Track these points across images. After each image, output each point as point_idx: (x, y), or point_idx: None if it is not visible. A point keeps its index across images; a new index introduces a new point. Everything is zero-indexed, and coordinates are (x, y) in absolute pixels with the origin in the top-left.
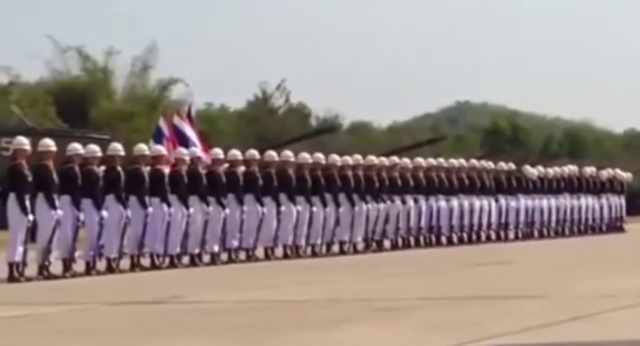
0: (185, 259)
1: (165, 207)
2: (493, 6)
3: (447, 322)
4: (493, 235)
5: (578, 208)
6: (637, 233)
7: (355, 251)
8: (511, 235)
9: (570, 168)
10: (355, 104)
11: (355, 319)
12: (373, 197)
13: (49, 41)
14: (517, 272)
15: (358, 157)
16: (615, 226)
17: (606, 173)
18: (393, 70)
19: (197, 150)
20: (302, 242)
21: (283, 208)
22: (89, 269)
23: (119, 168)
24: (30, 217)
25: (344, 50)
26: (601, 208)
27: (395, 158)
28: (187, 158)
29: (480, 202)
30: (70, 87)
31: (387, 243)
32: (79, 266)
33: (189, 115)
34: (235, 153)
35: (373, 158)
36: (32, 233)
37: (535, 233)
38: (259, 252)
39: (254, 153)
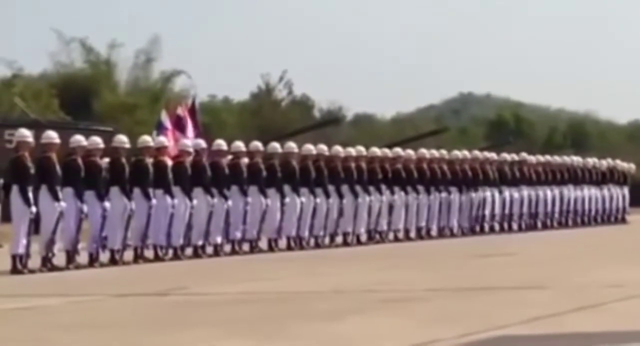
0: (189, 251)
1: (168, 198)
2: None
3: (452, 313)
4: (497, 227)
5: (582, 199)
6: None
7: (359, 242)
8: (515, 226)
9: (572, 159)
10: (359, 96)
11: (360, 310)
12: (376, 189)
13: (52, 34)
14: (521, 263)
15: (361, 148)
16: (618, 217)
17: (606, 163)
18: (396, 62)
19: (202, 141)
20: (306, 234)
21: (287, 200)
22: (92, 261)
23: (123, 160)
24: (34, 209)
25: (348, 42)
26: (604, 199)
27: (398, 150)
28: (191, 149)
29: (484, 194)
30: (73, 80)
31: (390, 235)
32: (82, 258)
33: (192, 108)
34: (239, 144)
35: (376, 150)
36: (35, 225)
37: (539, 225)
38: (263, 244)
39: (257, 144)
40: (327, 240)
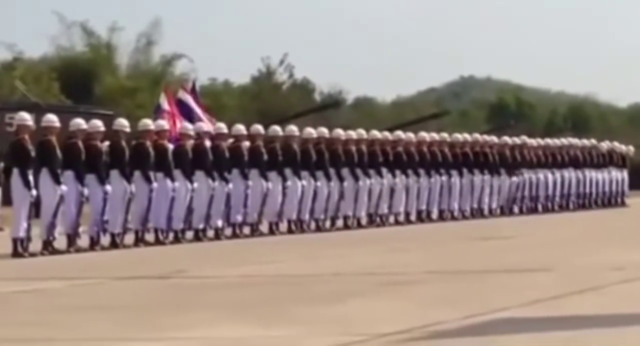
0: (190, 234)
1: (169, 182)
2: None
3: (452, 296)
4: (498, 210)
5: (582, 183)
6: (639, 207)
7: (360, 226)
8: (516, 209)
9: (570, 141)
10: (359, 79)
11: (360, 293)
12: (377, 172)
13: (53, 17)
14: (522, 246)
15: (362, 131)
16: (618, 200)
17: (605, 145)
18: (397, 45)
19: (203, 124)
20: (307, 217)
21: (288, 183)
22: (93, 244)
23: (124, 144)
24: (34, 192)
25: (349, 25)
26: (604, 182)
27: (400, 133)
28: (192, 133)
29: (484, 177)
30: (74, 63)
31: (391, 218)
32: (83, 241)
33: (193, 91)
34: (240, 128)
35: (377, 133)
36: (36, 208)
37: (540, 208)
38: (264, 227)
39: (258, 128)
40: (328, 224)
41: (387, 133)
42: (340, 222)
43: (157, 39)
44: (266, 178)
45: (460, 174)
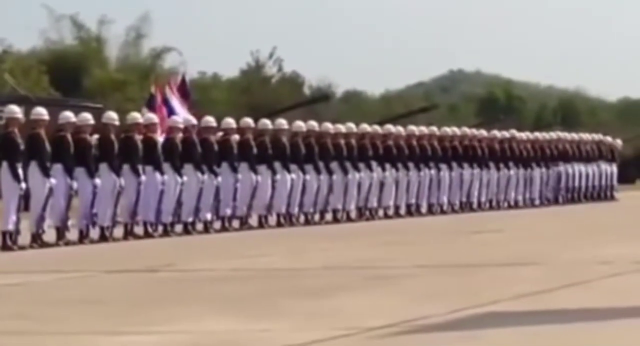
0: (179, 227)
1: (158, 175)
2: None
3: (441, 290)
4: (487, 204)
5: (571, 176)
6: (628, 201)
7: (349, 219)
8: (505, 203)
9: (558, 134)
10: (349, 73)
11: (350, 287)
12: (366, 166)
13: (42, 10)
14: (511, 240)
15: (351, 125)
16: (607, 194)
17: (591, 137)
18: (386, 39)
19: (192, 118)
20: (296, 210)
21: (277, 177)
22: (82, 237)
23: (113, 137)
24: (23, 185)
25: (338, 19)
26: (593, 176)
27: (390, 127)
28: (181, 126)
29: (473, 171)
30: (63, 56)
31: (380, 212)
32: (72, 234)
33: (183, 85)
34: (230, 121)
35: (366, 127)
36: (25, 201)
37: (529, 202)
38: (253, 220)
39: (248, 121)
40: (317, 217)
41: (377, 127)
42: (329, 216)
43: (147, 32)
44: (255, 172)
45: (450, 168)
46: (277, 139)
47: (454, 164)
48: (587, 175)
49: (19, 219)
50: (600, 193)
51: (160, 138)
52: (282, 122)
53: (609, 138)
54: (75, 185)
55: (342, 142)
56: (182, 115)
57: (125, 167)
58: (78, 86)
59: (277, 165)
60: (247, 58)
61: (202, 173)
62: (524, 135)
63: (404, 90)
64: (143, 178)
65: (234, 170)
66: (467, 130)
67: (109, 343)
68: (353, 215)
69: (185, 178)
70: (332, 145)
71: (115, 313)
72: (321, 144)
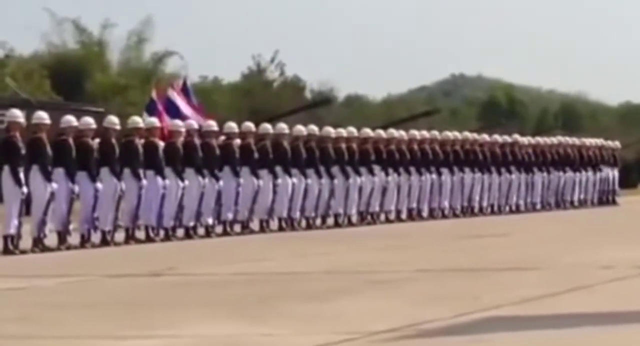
0: (180, 232)
1: (159, 179)
2: None
3: (443, 294)
4: (489, 208)
5: (573, 181)
6: (630, 206)
7: (350, 223)
8: (507, 207)
9: (559, 139)
10: (351, 77)
11: (352, 291)
12: (368, 170)
13: (44, 14)
14: (513, 244)
15: (352, 129)
16: (609, 199)
17: (593, 142)
18: (388, 43)
19: (193, 122)
20: (297, 215)
21: (279, 181)
22: (84, 242)
23: (114, 141)
24: (25, 190)
25: (340, 23)
26: (595, 180)
27: (393, 131)
28: (183, 130)
29: (475, 175)
30: (65, 60)
31: (382, 216)
32: (74, 238)
33: (184, 89)
34: (232, 125)
35: (369, 131)
36: (26, 206)
37: (531, 206)
38: (254, 225)
39: (249, 125)
40: (318, 221)
41: (380, 131)
42: (331, 220)
43: (149, 37)
44: (257, 176)
45: (451, 172)
46: (279, 143)
47: (456, 168)
48: (588, 180)
49: (21, 223)
50: (602, 198)
51: (161, 142)
52: (283, 127)
53: (610, 143)
54: (76, 189)
55: (344, 146)
56: (190, 117)
57: (127, 171)
58: (80, 90)
59: (278, 169)
60: (248, 62)
61: (204, 177)
62: (525, 139)
63: (405, 95)
64: (144, 182)
65: (236, 174)
66: (468, 134)
67: None
68: (354, 219)
69: (186, 182)
70: (334, 149)
71: (116, 317)
72: (322, 148)
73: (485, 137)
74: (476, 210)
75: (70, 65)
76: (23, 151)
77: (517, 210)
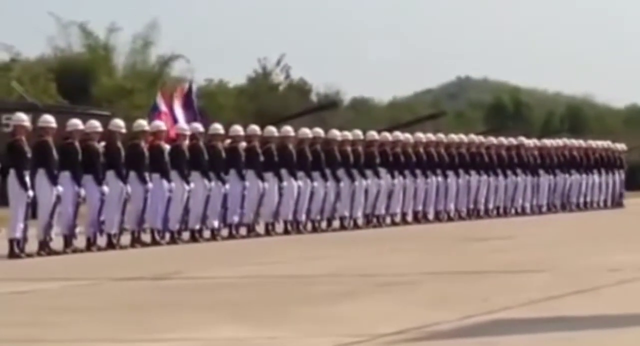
0: (186, 235)
1: (165, 182)
2: None
3: (449, 297)
4: (494, 210)
5: (579, 183)
6: (636, 208)
7: (356, 226)
8: (513, 210)
9: (565, 141)
10: (356, 80)
11: (357, 294)
12: (374, 173)
13: (50, 18)
14: (519, 247)
15: (358, 132)
16: (615, 201)
17: (601, 145)
18: (394, 46)
19: (199, 125)
20: (303, 218)
21: (284, 184)
22: (90, 245)
23: (119, 144)
24: (30, 193)
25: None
26: (601, 183)
27: (398, 134)
28: (188, 133)
29: (481, 177)
30: (71, 64)
31: (387, 219)
32: (80, 242)
33: (189, 92)
34: (237, 128)
35: (374, 134)
36: (32, 209)
37: (537, 208)
38: (260, 228)
39: (255, 128)
40: (324, 224)
41: (386, 134)
42: (337, 223)
43: (154, 40)
44: (262, 179)
45: (457, 175)
46: (284, 146)
47: (461, 171)
48: (595, 182)
49: (27, 227)
50: (609, 200)
51: (166, 145)
52: (288, 129)
53: (617, 145)
54: (82, 192)
55: (350, 149)
56: (186, 122)
57: (132, 175)
58: (86, 94)
59: (283, 172)
60: (254, 65)
61: (210, 180)
62: (531, 142)
63: (411, 98)
64: (150, 185)
65: (242, 177)
66: (474, 137)
67: None
68: (360, 222)
69: (192, 185)
70: (340, 152)
71: (122, 321)
72: (328, 151)
73: (491, 139)
74: (482, 212)
75: (76, 68)
76: (29, 155)
77: (523, 213)
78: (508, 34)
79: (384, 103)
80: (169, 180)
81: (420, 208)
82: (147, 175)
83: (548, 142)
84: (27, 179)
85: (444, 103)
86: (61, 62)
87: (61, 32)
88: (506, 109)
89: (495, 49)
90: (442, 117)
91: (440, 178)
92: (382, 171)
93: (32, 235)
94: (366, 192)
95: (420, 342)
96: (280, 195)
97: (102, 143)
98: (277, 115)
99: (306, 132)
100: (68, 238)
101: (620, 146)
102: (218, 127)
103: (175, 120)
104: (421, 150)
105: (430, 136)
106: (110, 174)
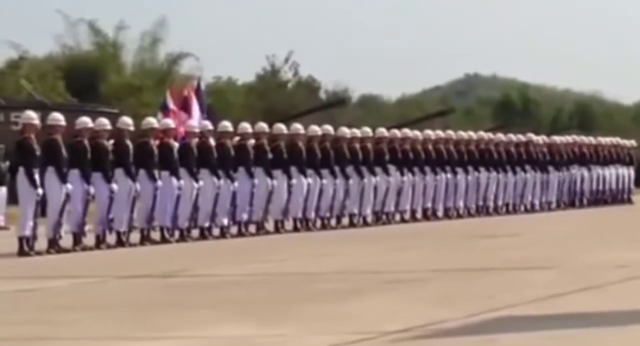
0: (195, 232)
1: (174, 180)
2: None
3: (457, 294)
4: (503, 207)
5: (588, 180)
6: None
7: (365, 224)
8: (522, 206)
9: (574, 138)
10: (365, 77)
11: (365, 291)
12: (383, 170)
13: (58, 16)
14: (526, 244)
15: (367, 129)
16: (624, 197)
17: (608, 141)
18: (402, 43)
19: (208, 123)
20: (312, 215)
21: (293, 181)
22: (99, 243)
23: (128, 142)
24: (40, 191)
25: (354, 23)
26: (610, 179)
27: (407, 131)
28: (197, 130)
29: (490, 174)
30: (79, 62)
31: (397, 216)
32: (89, 240)
33: (198, 90)
34: (246, 126)
35: (383, 131)
36: (42, 207)
37: (546, 205)
38: (269, 225)
39: (263, 126)
40: (333, 222)
41: (395, 131)
42: (346, 220)
43: (163, 38)
44: (271, 176)
45: (466, 172)
46: (294, 144)
47: (470, 168)
48: (604, 179)
49: (36, 225)
50: (617, 197)
51: (175, 143)
52: (298, 127)
53: (626, 142)
54: (92, 190)
55: (358, 146)
56: (198, 119)
57: (142, 172)
58: (94, 91)
59: (293, 169)
60: (263, 62)
61: (219, 178)
62: (540, 138)
63: (420, 95)
64: (159, 183)
65: (251, 175)
66: (483, 134)
67: None
68: (369, 219)
69: (201, 183)
70: (349, 149)
71: (130, 319)
72: (337, 148)
73: (500, 136)
74: (491, 209)
75: (85, 66)
76: (38, 153)
77: (532, 210)
78: (516, 31)
79: (393, 101)
80: (178, 178)
81: (429, 205)
82: (156, 172)
83: (557, 138)
84: (37, 177)
85: (453, 100)
86: (69, 60)
87: (69, 30)
88: (515, 106)
89: (503, 46)
90: (451, 114)
91: (449, 175)
92: (391, 168)
93: (42, 233)
94: (375, 189)
95: (425, 340)
96: (290, 192)
97: (111, 141)
98: (285, 113)
99: (315, 129)
100: (77, 236)
101: (630, 143)
102: (227, 125)
103: (190, 116)
104: (430, 147)
105: (439, 133)
106: (119, 172)
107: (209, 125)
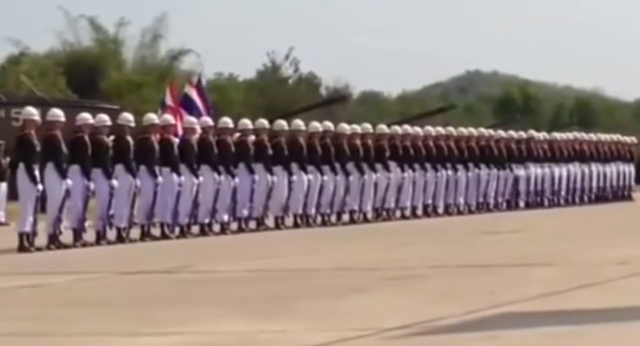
0: (195, 229)
1: (175, 176)
2: None
3: (457, 290)
4: (504, 204)
5: (588, 177)
6: None
7: (366, 220)
8: (521, 203)
9: (577, 135)
10: (365, 74)
11: (365, 288)
12: (384, 166)
13: (59, 12)
14: (527, 240)
15: (368, 126)
16: (624, 194)
17: (610, 138)
18: (403, 39)
19: (208, 119)
20: (312, 211)
21: (294, 177)
22: (99, 239)
23: (129, 138)
24: (40, 187)
25: (354, 20)
26: (611, 176)
27: (407, 128)
28: (198, 127)
29: (491, 171)
30: (80, 58)
31: (397, 213)
32: (89, 236)
33: (198, 86)
34: (246, 122)
35: (384, 127)
36: (42, 203)
37: (545, 202)
38: (269, 221)
39: (263, 122)
40: (333, 218)
41: (396, 128)
42: (346, 216)
43: (164, 34)
44: (271, 173)
45: (466, 168)
46: (294, 140)
47: (471, 164)
48: (605, 175)
49: (36, 221)
50: (618, 194)
51: (176, 139)
52: (299, 123)
53: (626, 138)
54: (92, 186)
55: (359, 142)
56: (202, 115)
57: (142, 168)
58: (95, 88)
59: (293, 166)
60: (263, 59)
61: (219, 174)
62: (541, 135)
63: (421, 91)
64: (160, 179)
65: (251, 171)
66: (484, 130)
67: (125, 345)
68: (370, 215)
69: (201, 179)
70: (349, 145)
71: (131, 315)
72: (338, 145)
73: (501, 132)
74: (491, 206)
75: (85, 63)
76: (38, 148)
77: (533, 206)
78: (517, 28)
79: (394, 97)
80: (179, 174)
81: (429, 201)
82: (157, 168)
83: (558, 135)
84: (37, 173)
85: (454, 96)
86: (70, 56)
87: (70, 26)
88: (515, 103)
89: (504, 42)
90: (452, 111)
91: (449, 172)
92: (392, 164)
93: (42, 229)
94: (376, 185)
95: (425, 336)
96: (290, 189)
97: (111, 137)
98: (286, 109)
99: (316, 125)
100: (77, 232)
101: (631, 139)
102: (227, 121)
103: (191, 112)
104: (431, 143)
105: (440, 129)
106: (119, 168)
107: (209, 121)
